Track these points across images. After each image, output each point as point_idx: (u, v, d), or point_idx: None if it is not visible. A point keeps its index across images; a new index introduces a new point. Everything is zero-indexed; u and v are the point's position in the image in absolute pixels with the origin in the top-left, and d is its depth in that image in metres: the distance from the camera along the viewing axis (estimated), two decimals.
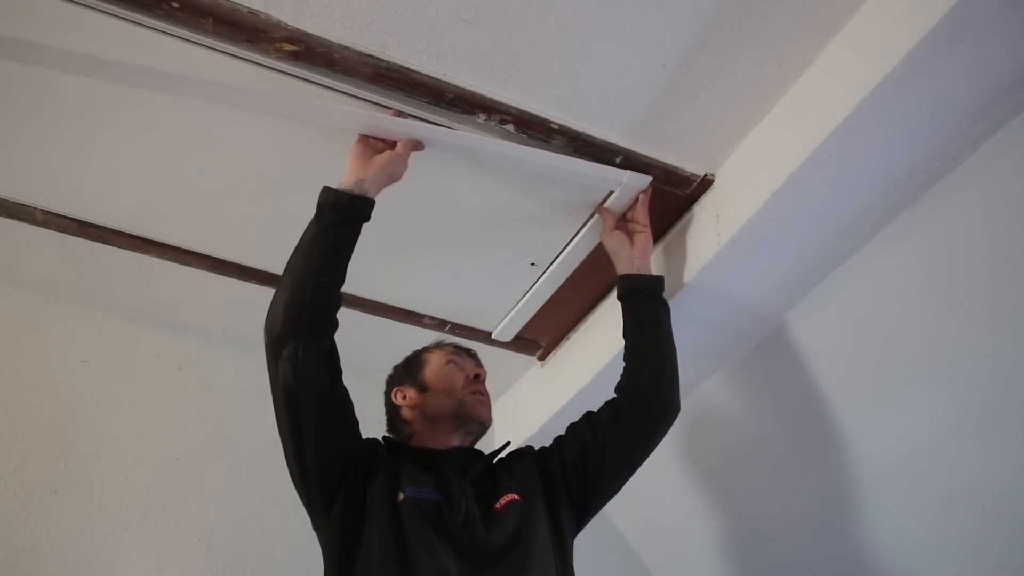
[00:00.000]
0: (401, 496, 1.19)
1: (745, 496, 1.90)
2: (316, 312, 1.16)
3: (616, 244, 1.46)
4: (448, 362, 1.43)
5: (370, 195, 1.22)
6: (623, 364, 1.42)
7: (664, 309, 1.44)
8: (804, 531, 1.84)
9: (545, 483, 1.31)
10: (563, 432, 1.43)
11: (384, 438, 1.37)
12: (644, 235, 1.46)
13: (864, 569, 1.76)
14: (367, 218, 1.23)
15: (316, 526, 1.21)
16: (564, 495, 1.31)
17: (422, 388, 1.39)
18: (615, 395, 1.40)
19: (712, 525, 2.01)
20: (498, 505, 1.24)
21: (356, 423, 1.25)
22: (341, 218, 1.19)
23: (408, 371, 1.44)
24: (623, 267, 1.46)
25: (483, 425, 1.40)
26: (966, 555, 1.61)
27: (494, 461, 1.37)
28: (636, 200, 1.47)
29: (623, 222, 1.49)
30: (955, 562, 1.63)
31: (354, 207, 1.21)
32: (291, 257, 1.20)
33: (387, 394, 1.44)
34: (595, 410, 1.41)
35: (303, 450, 1.16)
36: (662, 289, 1.45)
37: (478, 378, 1.43)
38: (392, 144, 1.29)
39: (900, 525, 1.67)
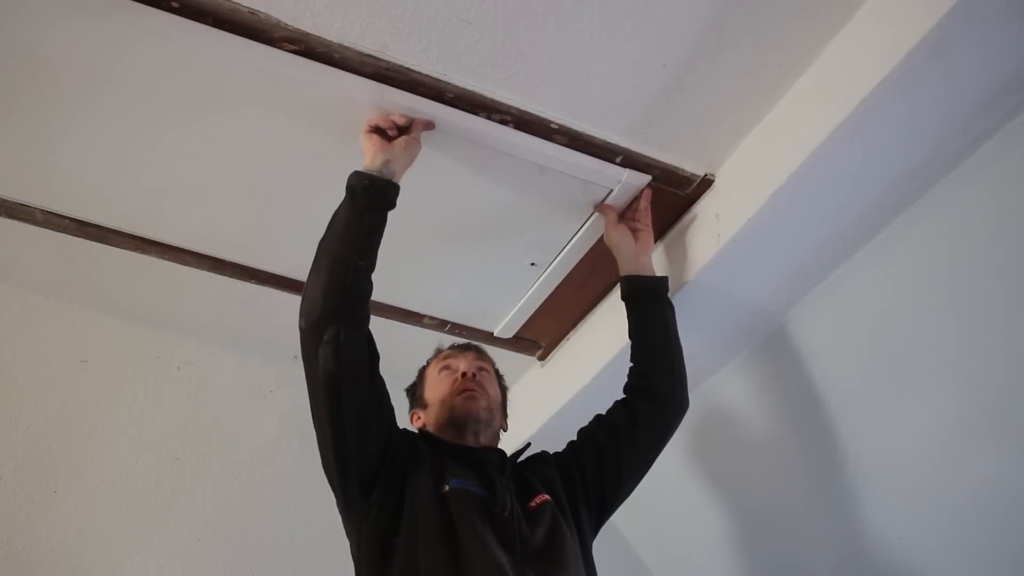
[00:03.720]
0: (447, 488, 1.19)
1: (746, 495, 1.90)
2: (356, 295, 1.17)
3: (619, 239, 1.46)
4: (441, 370, 1.45)
5: (397, 178, 1.23)
6: (630, 365, 1.43)
7: (670, 308, 1.45)
8: (805, 530, 1.85)
9: (566, 487, 1.33)
10: (570, 434, 1.43)
11: (420, 431, 1.37)
12: (646, 233, 1.47)
13: (865, 568, 1.76)
14: (394, 205, 1.23)
15: (349, 515, 1.20)
16: (583, 498, 1.33)
17: (423, 406, 1.43)
18: (625, 396, 1.41)
19: (712, 524, 2.01)
20: (532, 504, 1.25)
21: (392, 410, 1.25)
22: (374, 203, 1.20)
23: (413, 394, 1.48)
24: (626, 266, 1.46)
25: (479, 421, 1.36)
26: (966, 553, 1.61)
27: (517, 461, 1.38)
28: (639, 199, 1.47)
29: (625, 220, 1.49)
30: (955, 560, 1.63)
31: (386, 192, 1.21)
32: (324, 241, 1.20)
33: (410, 420, 1.46)
34: (603, 413, 1.42)
35: (343, 436, 1.14)
36: (667, 289, 1.45)
37: (465, 376, 1.41)
38: (403, 130, 1.28)
39: (901, 523, 1.67)
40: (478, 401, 1.38)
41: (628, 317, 1.46)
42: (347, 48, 1.21)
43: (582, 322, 1.84)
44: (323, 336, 1.13)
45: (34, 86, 1.29)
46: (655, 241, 1.56)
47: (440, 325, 1.85)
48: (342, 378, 1.13)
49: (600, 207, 1.49)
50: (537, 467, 1.36)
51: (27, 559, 1.58)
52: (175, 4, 1.14)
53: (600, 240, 1.57)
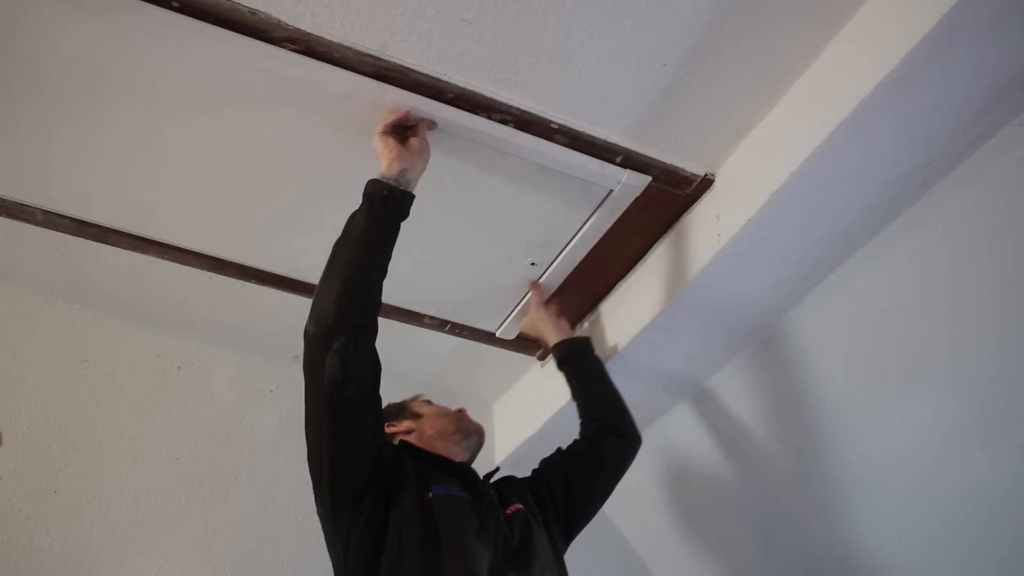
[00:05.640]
0: (430, 495, 1.20)
1: (747, 494, 1.90)
2: (368, 306, 1.18)
3: (541, 315, 1.70)
4: (426, 403, 1.52)
5: (413, 187, 1.24)
6: (582, 420, 1.56)
7: (600, 362, 1.64)
8: (806, 529, 1.85)
9: (537, 503, 1.38)
10: (569, 435, 1.51)
11: (401, 442, 1.38)
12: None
13: (866, 567, 1.76)
14: (408, 215, 1.24)
15: (336, 523, 1.18)
16: (552, 514, 1.38)
17: (415, 416, 1.45)
18: (587, 437, 1.52)
19: (713, 524, 2.02)
20: (508, 511, 1.29)
21: (383, 421, 1.27)
22: (392, 213, 1.21)
23: (395, 409, 1.49)
24: (552, 336, 1.68)
25: (480, 440, 1.47)
26: (966, 553, 1.61)
27: (490, 482, 1.41)
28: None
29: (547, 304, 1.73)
30: (955, 560, 1.63)
31: (403, 203, 1.22)
32: (338, 248, 1.20)
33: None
34: (563, 447, 1.52)
35: (341, 444, 1.14)
36: (592, 347, 1.66)
37: (462, 411, 1.51)
38: (412, 129, 1.28)
39: (902, 523, 1.67)
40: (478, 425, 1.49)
41: (567, 381, 1.63)
42: (347, 48, 1.21)
43: (582, 322, 1.84)
44: (332, 345, 1.13)
45: (34, 85, 1.29)
46: (655, 241, 1.59)
47: (440, 325, 1.85)
48: (346, 387, 1.13)
49: (533, 284, 1.70)
50: (508, 485, 1.42)
51: (27, 559, 1.58)
52: (175, 4, 1.14)
53: (600, 240, 1.57)
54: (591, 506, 1.45)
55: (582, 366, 1.63)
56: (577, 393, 1.61)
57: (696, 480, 1.97)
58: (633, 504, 2.11)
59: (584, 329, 1.84)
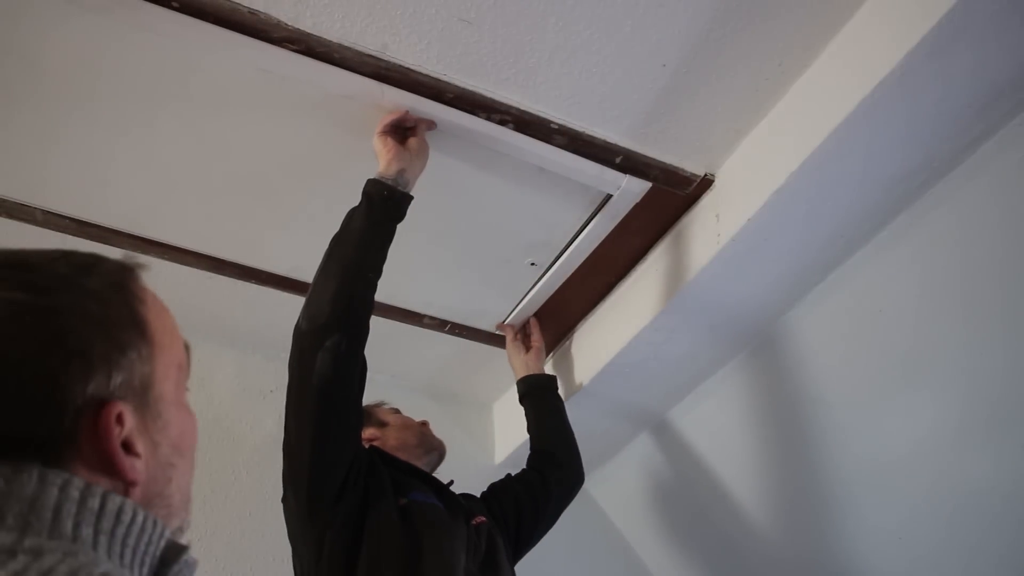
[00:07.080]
0: (404, 500, 1.22)
1: (746, 495, 1.90)
2: (363, 307, 1.19)
3: (513, 353, 1.76)
4: (393, 412, 1.53)
5: (410, 188, 1.25)
6: (532, 451, 1.60)
7: (561, 400, 1.69)
8: (805, 530, 1.85)
9: (493, 518, 1.41)
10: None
11: (372, 447, 1.38)
12: (537, 347, 1.76)
13: (865, 567, 1.76)
14: (404, 217, 1.25)
15: (311, 521, 1.17)
16: (505, 531, 1.41)
17: (380, 424, 1.46)
18: (535, 468, 1.56)
19: (713, 524, 2.01)
20: (475, 522, 1.32)
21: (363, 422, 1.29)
22: (391, 214, 1.21)
23: (367, 416, 1.48)
24: (521, 371, 1.73)
25: (441, 456, 1.49)
26: (966, 554, 1.61)
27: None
28: (530, 325, 1.79)
29: (521, 337, 1.79)
30: (955, 561, 1.63)
31: (401, 205, 1.23)
32: (336, 247, 1.20)
33: None
34: (512, 474, 1.56)
35: (325, 442, 1.15)
36: (556, 385, 1.71)
37: (425, 424, 1.53)
38: (411, 130, 1.28)
39: (900, 524, 1.67)
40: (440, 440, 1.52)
41: (526, 415, 1.68)
42: (347, 48, 1.21)
43: (582, 323, 1.84)
44: (324, 342, 1.13)
45: (33, 85, 1.29)
46: (655, 242, 1.58)
47: (440, 325, 1.85)
48: (335, 386, 1.14)
49: (500, 326, 1.80)
50: (468, 499, 1.44)
51: None
52: (175, 3, 1.14)
53: (601, 241, 1.57)
54: (537, 532, 1.49)
55: (541, 402, 1.68)
56: (532, 427, 1.65)
57: (696, 479, 1.97)
58: (633, 504, 2.11)
59: (582, 330, 1.84)
